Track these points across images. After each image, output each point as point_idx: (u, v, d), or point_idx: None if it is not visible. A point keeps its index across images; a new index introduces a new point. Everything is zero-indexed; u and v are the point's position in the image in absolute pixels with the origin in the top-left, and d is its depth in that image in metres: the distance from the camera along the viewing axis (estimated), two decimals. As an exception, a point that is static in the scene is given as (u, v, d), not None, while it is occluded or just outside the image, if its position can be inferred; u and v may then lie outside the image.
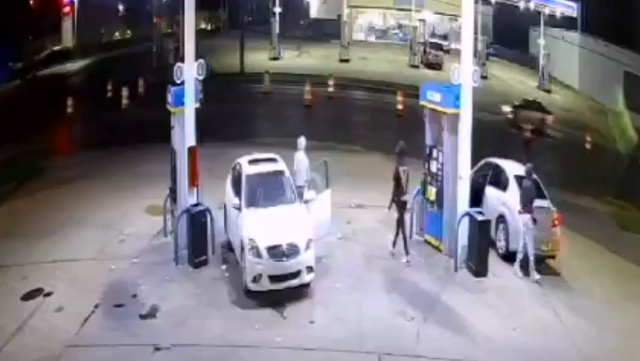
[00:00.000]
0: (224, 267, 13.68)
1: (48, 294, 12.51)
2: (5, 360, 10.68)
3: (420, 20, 48.96)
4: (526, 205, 13.70)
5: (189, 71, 13.79)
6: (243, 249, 12.46)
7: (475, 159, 14.72)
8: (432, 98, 14.74)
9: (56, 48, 43.38)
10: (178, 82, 13.84)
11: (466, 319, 12.07)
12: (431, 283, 13.32)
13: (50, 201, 17.68)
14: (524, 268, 13.79)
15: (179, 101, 13.93)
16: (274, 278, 12.22)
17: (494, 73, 42.35)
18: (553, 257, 14.51)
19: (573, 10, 42.40)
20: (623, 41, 37.21)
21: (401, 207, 14.09)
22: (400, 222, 14.11)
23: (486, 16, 46.11)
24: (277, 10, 44.17)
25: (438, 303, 12.60)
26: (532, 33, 47.45)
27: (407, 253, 14.04)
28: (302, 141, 15.35)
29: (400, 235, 14.14)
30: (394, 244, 14.26)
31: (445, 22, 51.78)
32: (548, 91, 41.72)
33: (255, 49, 41.72)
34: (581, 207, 20.10)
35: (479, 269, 13.61)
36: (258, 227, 12.49)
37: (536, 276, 13.66)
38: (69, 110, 29.30)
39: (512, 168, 15.34)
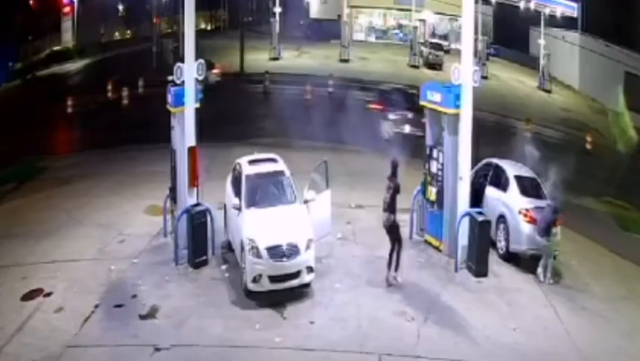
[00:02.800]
0: (224, 267, 13.68)
1: (48, 294, 12.51)
2: (5, 360, 10.68)
3: (420, 20, 48.94)
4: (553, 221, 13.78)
5: (189, 71, 13.79)
6: (242, 249, 12.46)
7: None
8: (432, 98, 14.74)
9: (56, 48, 43.44)
10: (178, 82, 13.84)
11: (466, 319, 12.06)
12: (431, 283, 13.32)
13: (50, 201, 17.68)
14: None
15: (179, 101, 13.93)
16: (274, 278, 12.22)
17: (494, 73, 42.34)
18: (553, 257, 14.51)
19: (573, 10, 42.37)
20: (623, 41, 37.18)
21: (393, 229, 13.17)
22: (396, 243, 13.08)
23: (486, 16, 46.08)
24: (277, 10, 44.15)
25: (438, 303, 12.59)
26: (533, 33, 47.40)
27: (396, 269, 13.13)
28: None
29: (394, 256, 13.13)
30: (390, 265, 13.14)
31: (445, 22, 51.76)
32: (549, 91, 41.71)
33: (255, 49, 41.75)
34: (581, 207, 20.08)
35: (479, 269, 13.62)
36: (258, 227, 12.49)
37: (544, 278, 13.80)
38: (69, 110, 29.32)
39: (513, 169, 15.36)
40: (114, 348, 10.92)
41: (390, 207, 13.03)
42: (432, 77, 34.71)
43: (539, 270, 13.83)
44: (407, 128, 24.63)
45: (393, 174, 13.20)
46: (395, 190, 13.03)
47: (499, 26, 48.86)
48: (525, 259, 14.33)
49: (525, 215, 14.21)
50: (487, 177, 15.58)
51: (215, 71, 33.01)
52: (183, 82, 13.78)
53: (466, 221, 13.81)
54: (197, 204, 13.86)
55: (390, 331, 11.58)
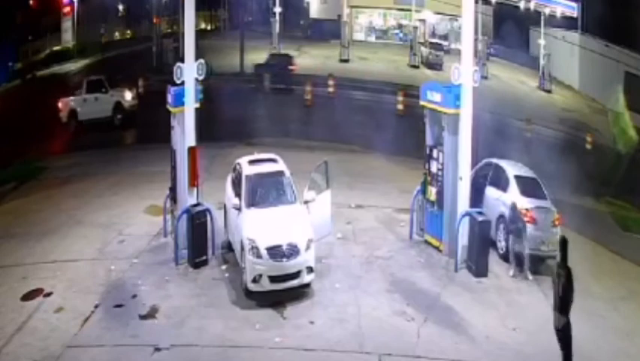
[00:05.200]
0: (224, 267, 13.68)
1: (48, 294, 12.51)
2: (5, 360, 10.68)
3: (420, 20, 48.92)
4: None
5: (189, 71, 13.79)
6: (243, 249, 12.47)
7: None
8: (432, 98, 14.74)
9: (56, 48, 43.40)
10: (178, 82, 13.83)
11: (466, 319, 12.07)
12: (431, 283, 13.33)
13: (50, 201, 17.68)
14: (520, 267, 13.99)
15: (179, 101, 13.92)
16: (274, 279, 12.22)
17: (494, 73, 42.31)
18: (553, 257, 14.50)
19: (573, 10, 42.38)
20: (623, 41, 37.17)
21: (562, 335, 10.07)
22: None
23: (486, 16, 46.05)
24: (277, 10, 44.14)
25: (438, 303, 12.60)
26: (533, 33, 47.38)
27: None
28: None
29: None
30: None
31: (445, 22, 51.74)
32: (549, 91, 41.69)
33: (255, 49, 41.69)
34: (581, 207, 20.09)
35: (479, 269, 13.62)
36: (258, 227, 12.49)
37: (529, 276, 13.87)
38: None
39: (513, 169, 15.36)
40: (114, 348, 10.92)
41: (563, 303, 9.88)
42: (432, 77, 34.71)
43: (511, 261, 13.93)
44: None
45: (564, 259, 10.12)
46: (567, 281, 9.80)
47: (499, 26, 48.80)
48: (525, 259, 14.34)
49: (525, 215, 14.21)
50: (487, 177, 15.58)
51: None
52: (183, 82, 13.78)
53: (466, 221, 13.81)
54: (197, 204, 13.86)
55: (390, 331, 11.59)
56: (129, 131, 26.38)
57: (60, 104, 26.33)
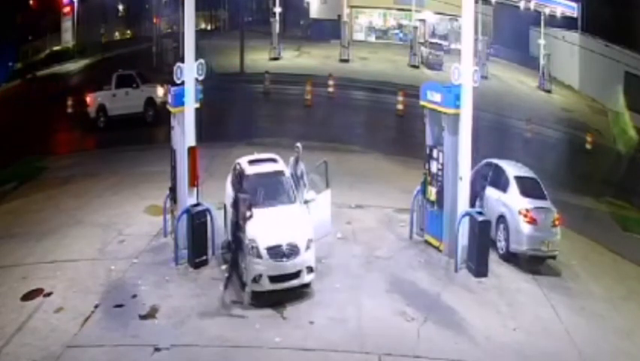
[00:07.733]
0: (224, 267, 13.67)
1: (48, 294, 12.51)
2: (5, 360, 10.68)
3: (420, 20, 48.89)
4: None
5: (189, 71, 13.78)
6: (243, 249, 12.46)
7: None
8: (432, 98, 14.74)
9: (56, 48, 43.45)
10: (178, 82, 13.83)
11: (466, 319, 12.07)
12: (431, 283, 13.33)
13: (50, 201, 17.69)
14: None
15: (179, 101, 13.92)
16: (274, 278, 12.22)
17: (494, 73, 42.30)
18: (553, 257, 14.53)
19: (573, 10, 42.37)
20: (623, 41, 37.18)
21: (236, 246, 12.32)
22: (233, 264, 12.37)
23: (486, 16, 46.03)
24: (277, 10, 44.14)
25: (438, 303, 12.60)
26: (533, 33, 47.37)
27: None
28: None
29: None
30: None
31: (445, 22, 51.74)
32: (549, 91, 41.68)
33: (255, 49, 41.69)
34: (581, 207, 20.11)
35: (479, 269, 13.62)
36: (258, 227, 12.49)
37: None
38: (69, 109, 29.27)
39: (513, 169, 15.38)
40: (114, 348, 10.92)
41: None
42: (432, 77, 34.69)
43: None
44: None
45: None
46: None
47: (499, 26, 48.80)
48: (525, 259, 14.36)
49: (525, 215, 14.23)
50: (487, 178, 15.59)
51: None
52: (183, 82, 13.77)
53: (466, 221, 13.81)
54: (197, 204, 13.86)
55: (390, 331, 11.58)
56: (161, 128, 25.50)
57: (88, 99, 25.85)
